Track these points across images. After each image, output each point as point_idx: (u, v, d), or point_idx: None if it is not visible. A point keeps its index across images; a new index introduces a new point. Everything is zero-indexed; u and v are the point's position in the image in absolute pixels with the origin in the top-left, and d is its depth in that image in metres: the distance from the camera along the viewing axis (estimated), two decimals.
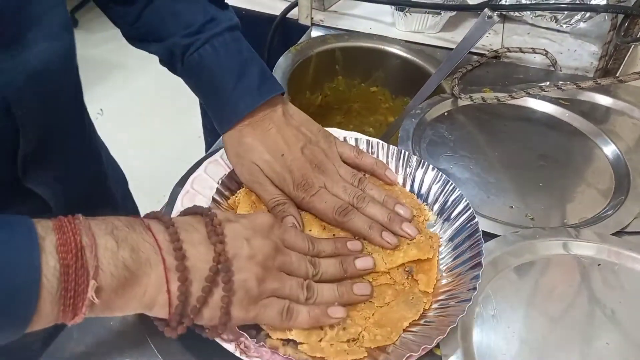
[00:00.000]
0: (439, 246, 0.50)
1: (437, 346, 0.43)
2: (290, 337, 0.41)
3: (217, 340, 0.40)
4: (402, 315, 0.43)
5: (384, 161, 0.57)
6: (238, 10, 0.86)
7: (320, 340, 0.40)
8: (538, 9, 0.81)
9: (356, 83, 0.93)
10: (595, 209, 0.60)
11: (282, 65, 0.81)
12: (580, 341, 0.46)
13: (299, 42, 0.87)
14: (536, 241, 0.54)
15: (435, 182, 0.54)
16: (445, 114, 0.74)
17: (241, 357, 0.40)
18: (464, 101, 0.75)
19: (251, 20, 0.88)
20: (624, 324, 0.48)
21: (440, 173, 0.54)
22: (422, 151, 0.67)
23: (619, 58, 0.82)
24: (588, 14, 0.82)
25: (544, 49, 0.85)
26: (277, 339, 0.41)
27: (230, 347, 0.40)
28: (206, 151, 0.58)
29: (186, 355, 0.43)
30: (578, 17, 0.82)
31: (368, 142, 0.58)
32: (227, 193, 0.52)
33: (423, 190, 0.55)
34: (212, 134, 1.16)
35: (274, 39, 0.98)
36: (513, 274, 0.51)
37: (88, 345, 0.43)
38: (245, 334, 0.40)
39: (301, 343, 0.40)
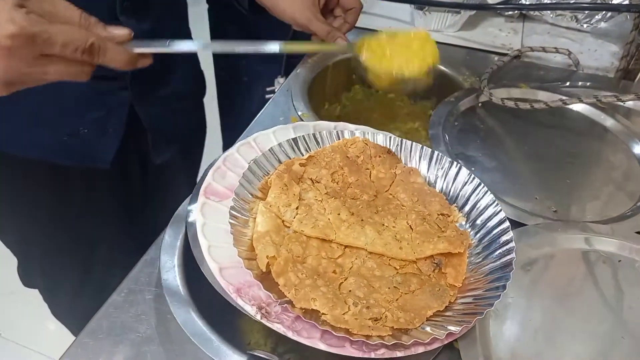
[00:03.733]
0: (470, 245, 0.49)
1: None
2: (314, 307, 0.40)
3: (240, 304, 0.41)
4: (427, 304, 0.43)
5: (416, 161, 0.57)
6: None
7: (344, 314, 0.40)
8: (559, 8, 0.81)
9: (373, 91, 0.92)
10: (621, 209, 0.59)
11: (301, 76, 0.80)
12: (596, 333, 0.46)
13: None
14: (557, 234, 0.53)
15: (467, 184, 0.53)
16: (479, 104, 0.75)
17: (261, 321, 0.40)
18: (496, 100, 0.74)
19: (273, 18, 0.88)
20: None
21: (473, 175, 0.53)
22: (452, 137, 0.67)
23: None
24: (609, 14, 0.81)
25: (567, 49, 0.84)
26: (300, 308, 0.40)
27: (251, 310, 0.41)
28: (223, 150, 0.59)
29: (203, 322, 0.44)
30: (599, 16, 0.82)
31: (402, 141, 0.57)
32: (260, 173, 0.51)
33: (454, 192, 0.54)
34: (231, 132, 1.16)
35: (295, 37, 0.98)
36: (532, 265, 0.51)
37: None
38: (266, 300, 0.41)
39: (324, 314, 0.40)
